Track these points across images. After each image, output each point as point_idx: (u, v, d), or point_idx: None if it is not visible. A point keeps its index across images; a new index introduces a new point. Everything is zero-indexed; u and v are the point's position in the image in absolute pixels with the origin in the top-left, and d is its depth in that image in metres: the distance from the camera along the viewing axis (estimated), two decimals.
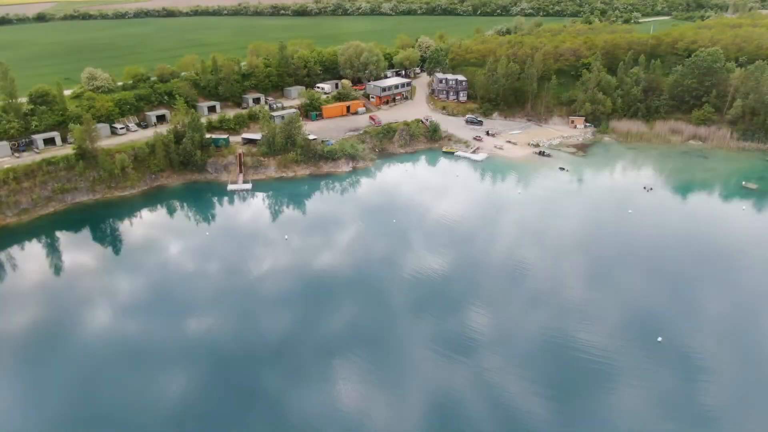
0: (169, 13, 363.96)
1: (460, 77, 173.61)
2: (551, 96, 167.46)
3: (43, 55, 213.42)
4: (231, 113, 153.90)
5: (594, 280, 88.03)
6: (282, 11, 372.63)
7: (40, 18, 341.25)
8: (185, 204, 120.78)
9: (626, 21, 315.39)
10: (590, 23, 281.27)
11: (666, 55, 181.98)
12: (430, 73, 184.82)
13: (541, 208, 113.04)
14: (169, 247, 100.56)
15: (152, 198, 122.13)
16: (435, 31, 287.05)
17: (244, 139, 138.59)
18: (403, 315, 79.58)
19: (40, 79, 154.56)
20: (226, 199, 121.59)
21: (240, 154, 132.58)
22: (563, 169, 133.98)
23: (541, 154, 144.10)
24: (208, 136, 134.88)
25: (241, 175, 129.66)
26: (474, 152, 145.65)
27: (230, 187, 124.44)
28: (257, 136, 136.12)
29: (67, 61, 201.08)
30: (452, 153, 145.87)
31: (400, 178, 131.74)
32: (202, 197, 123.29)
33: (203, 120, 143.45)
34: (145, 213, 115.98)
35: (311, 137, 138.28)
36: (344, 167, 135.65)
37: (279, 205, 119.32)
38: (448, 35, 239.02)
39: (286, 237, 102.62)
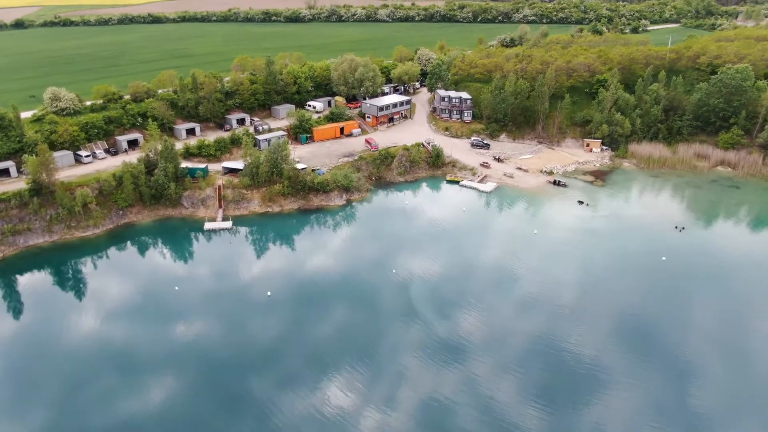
0: (155, 20, 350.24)
1: (465, 95, 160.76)
2: (564, 116, 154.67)
3: (11, 67, 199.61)
4: (212, 136, 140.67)
5: (636, 354, 74.76)
6: (274, 17, 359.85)
7: (18, 25, 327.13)
8: (155, 247, 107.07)
9: (634, 29, 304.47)
10: (599, 33, 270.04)
11: (686, 70, 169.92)
12: (431, 90, 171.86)
13: (562, 253, 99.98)
14: (131, 306, 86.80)
15: (118, 238, 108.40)
16: (434, 40, 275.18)
17: (225, 168, 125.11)
18: (407, 402, 66.19)
19: (1, 97, 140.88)
20: (201, 240, 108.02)
21: (220, 187, 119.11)
22: (582, 203, 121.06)
23: (556, 183, 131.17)
24: (184, 165, 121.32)
25: (220, 211, 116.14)
26: (481, 181, 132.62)
27: (207, 225, 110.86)
28: (240, 165, 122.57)
29: (37, 74, 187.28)
30: (457, 182, 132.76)
31: (400, 213, 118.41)
32: (174, 238, 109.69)
33: (180, 145, 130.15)
34: (107, 259, 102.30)
35: (300, 166, 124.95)
36: (337, 200, 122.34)
37: (262, 249, 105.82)
38: (449, 45, 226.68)
39: (269, 293, 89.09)
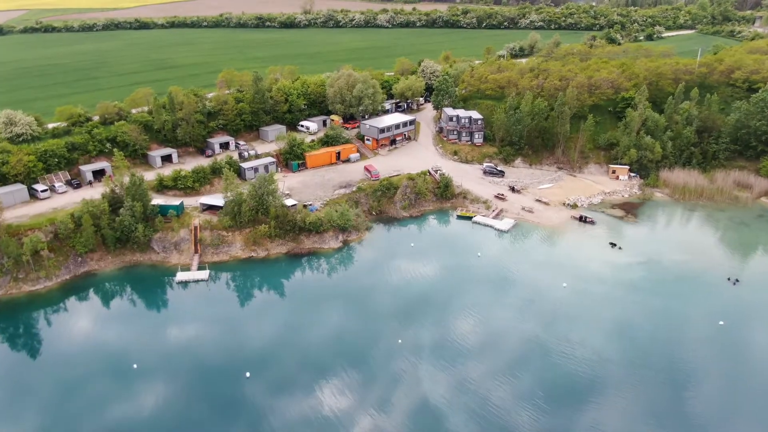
0: (143, 25, 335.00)
1: (475, 114, 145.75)
2: (586, 138, 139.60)
3: None
4: (192, 164, 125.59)
5: None
6: (268, 23, 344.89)
7: None
8: (115, 306, 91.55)
9: (649, 36, 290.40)
10: (613, 41, 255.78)
11: (719, 86, 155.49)
12: (437, 107, 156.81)
13: (598, 317, 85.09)
14: (74, 397, 71.19)
15: (74, 293, 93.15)
16: (437, 48, 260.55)
17: (203, 204, 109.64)
18: None
19: None
20: (172, 295, 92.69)
21: (196, 228, 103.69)
22: (614, 245, 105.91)
23: (582, 219, 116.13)
24: (155, 201, 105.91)
25: (196, 257, 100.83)
26: (496, 216, 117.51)
27: (180, 276, 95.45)
28: (220, 201, 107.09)
29: (1, 89, 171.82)
30: (469, 218, 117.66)
31: (405, 258, 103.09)
32: (140, 292, 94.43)
33: (152, 176, 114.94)
34: (56, 322, 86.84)
35: (290, 202, 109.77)
36: (332, 242, 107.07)
37: (243, 307, 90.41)
38: (454, 55, 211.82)
39: (248, 374, 73.64)
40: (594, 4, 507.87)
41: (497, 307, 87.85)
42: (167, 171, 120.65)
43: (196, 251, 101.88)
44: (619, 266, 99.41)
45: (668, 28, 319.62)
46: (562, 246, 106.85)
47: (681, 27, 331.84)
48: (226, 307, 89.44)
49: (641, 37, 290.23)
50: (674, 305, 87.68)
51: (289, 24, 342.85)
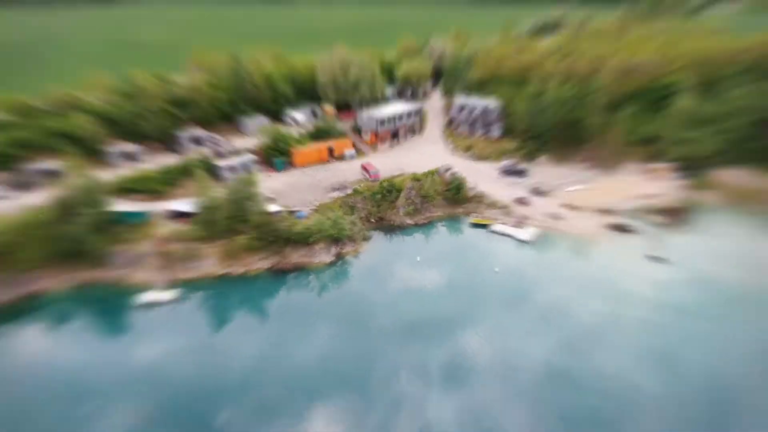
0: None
1: (492, 103, 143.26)
2: (623, 132, 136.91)
3: None
4: (158, 162, 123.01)
5: None
6: None
7: None
8: (67, 332, 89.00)
9: (694, 10, 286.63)
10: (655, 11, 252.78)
11: None
12: (447, 94, 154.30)
13: (645, 351, 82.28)
14: None
15: (15, 317, 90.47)
16: (447, 25, 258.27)
17: (171, 211, 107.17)
18: None
19: None
20: (131, 322, 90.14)
21: (162, 239, 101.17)
22: (657, 259, 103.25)
23: (619, 228, 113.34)
24: (114, 208, 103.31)
25: (162, 273, 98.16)
26: (518, 224, 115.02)
27: (143, 297, 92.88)
28: (191, 207, 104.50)
29: None
30: (485, 226, 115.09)
31: (409, 275, 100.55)
32: (96, 316, 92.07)
33: (112, 177, 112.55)
34: None
35: (274, 208, 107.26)
36: (323, 256, 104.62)
37: (217, 333, 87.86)
38: (468, 32, 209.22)
39: (223, 413, 71.01)
40: None
41: (518, 333, 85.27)
42: (129, 171, 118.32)
43: (162, 267, 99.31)
44: (662, 284, 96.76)
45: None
46: (594, 259, 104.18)
47: None
48: (197, 334, 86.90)
49: (683, 12, 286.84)
50: (728, 333, 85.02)
51: None
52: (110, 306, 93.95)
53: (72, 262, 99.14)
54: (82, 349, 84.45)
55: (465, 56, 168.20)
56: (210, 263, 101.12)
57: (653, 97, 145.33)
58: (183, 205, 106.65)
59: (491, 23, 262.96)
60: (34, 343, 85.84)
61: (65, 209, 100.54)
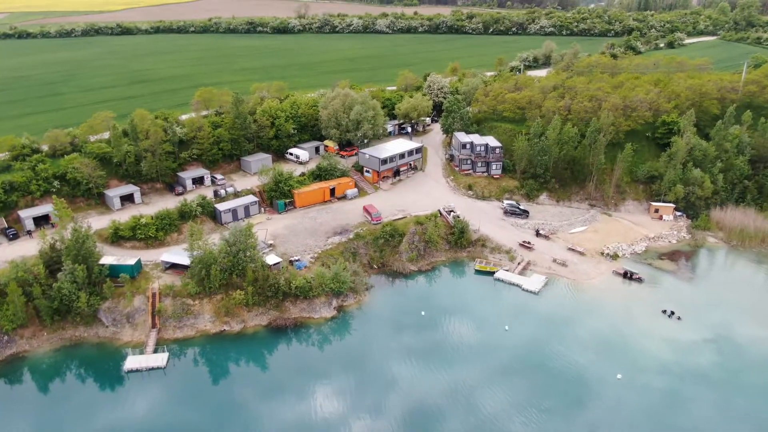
0: (125, 31, 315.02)
1: (492, 141, 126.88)
2: (624, 170, 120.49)
3: None
4: (158, 203, 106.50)
5: None
6: (260, 28, 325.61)
7: None
8: (48, 400, 72.24)
9: (669, 44, 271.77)
10: (633, 49, 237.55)
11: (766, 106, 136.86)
12: (446, 131, 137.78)
13: (664, 422, 66.00)
14: None
15: None
16: (441, 56, 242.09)
17: (165, 262, 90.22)
18: None
19: None
20: (117, 392, 73.18)
21: (154, 295, 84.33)
22: (671, 314, 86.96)
23: (627, 276, 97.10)
24: (106, 261, 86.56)
25: (153, 333, 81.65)
26: (523, 270, 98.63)
27: (129, 362, 76.39)
28: (187, 257, 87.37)
29: None
30: (491, 273, 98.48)
31: (413, 333, 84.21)
32: (80, 382, 75.73)
33: (106, 222, 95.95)
34: None
35: (272, 260, 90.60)
36: (324, 310, 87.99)
37: (210, 401, 70.79)
38: (462, 65, 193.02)
39: None
40: (603, 4, 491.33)
41: (535, 408, 68.83)
42: (128, 213, 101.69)
43: (153, 325, 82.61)
44: (681, 345, 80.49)
45: (689, 34, 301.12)
46: (606, 314, 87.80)
47: (702, 33, 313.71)
48: (189, 404, 70.36)
49: (662, 45, 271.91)
50: (761, 409, 68.66)
51: (282, 29, 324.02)
52: (97, 370, 77.67)
53: (59, 319, 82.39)
54: (60, 420, 67.47)
55: (463, 92, 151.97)
56: (205, 320, 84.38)
57: (651, 134, 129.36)
58: (178, 255, 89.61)
59: (484, 56, 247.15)
60: (10, 413, 68.71)
61: (53, 262, 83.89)
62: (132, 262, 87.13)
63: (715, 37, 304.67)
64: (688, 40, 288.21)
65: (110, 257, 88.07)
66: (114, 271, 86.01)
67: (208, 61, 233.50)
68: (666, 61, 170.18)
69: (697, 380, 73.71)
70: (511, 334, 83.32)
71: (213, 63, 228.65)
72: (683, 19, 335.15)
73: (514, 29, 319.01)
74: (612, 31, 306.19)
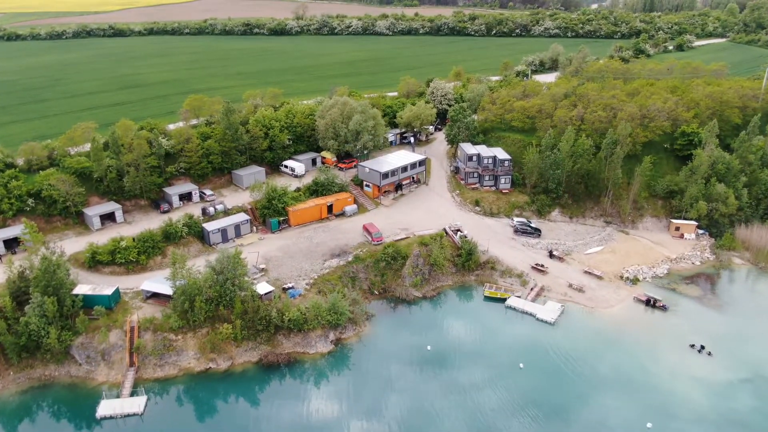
0: (117, 32, 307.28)
1: (501, 153, 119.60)
2: (642, 185, 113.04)
3: None
4: (142, 222, 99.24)
5: None
6: (256, 30, 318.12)
7: None
8: None
9: (679, 46, 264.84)
10: (642, 52, 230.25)
11: None
12: (451, 142, 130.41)
13: None
14: None
15: None
16: (443, 59, 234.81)
17: (146, 292, 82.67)
18: None
19: None
20: None
21: (133, 329, 76.76)
22: (701, 349, 79.55)
23: (650, 303, 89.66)
24: (80, 290, 79.00)
25: (131, 372, 74.19)
26: (537, 297, 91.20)
27: (102, 408, 68.79)
28: (169, 288, 79.72)
29: None
30: (502, 300, 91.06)
31: (418, 372, 77.00)
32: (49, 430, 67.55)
33: (81, 245, 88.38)
34: None
35: (263, 289, 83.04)
36: (320, 344, 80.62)
37: None
38: (465, 68, 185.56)
39: None
40: (606, 5, 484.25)
41: None
42: (109, 234, 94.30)
43: (131, 363, 75.08)
44: (714, 387, 73.11)
45: (697, 36, 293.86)
46: (629, 349, 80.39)
47: (711, 35, 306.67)
48: None
49: (671, 47, 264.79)
50: None
51: (279, 31, 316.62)
52: (68, 414, 70.24)
53: (27, 356, 74.84)
54: None
55: (468, 99, 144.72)
56: (188, 357, 76.84)
57: (669, 146, 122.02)
58: (160, 284, 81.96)
59: (487, 58, 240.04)
60: None
61: (21, 293, 76.35)
62: (109, 291, 79.53)
63: (724, 39, 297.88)
64: (697, 43, 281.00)
65: (85, 286, 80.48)
66: (89, 302, 78.47)
67: (202, 65, 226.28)
68: (680, 66, 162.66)
69: (736, 430, 66.25)
70: (526, 372, 75.88)
71: (207, 67, 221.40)
72: (691, 20, 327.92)
73: (517, 31, 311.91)
74: (618, 33, 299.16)
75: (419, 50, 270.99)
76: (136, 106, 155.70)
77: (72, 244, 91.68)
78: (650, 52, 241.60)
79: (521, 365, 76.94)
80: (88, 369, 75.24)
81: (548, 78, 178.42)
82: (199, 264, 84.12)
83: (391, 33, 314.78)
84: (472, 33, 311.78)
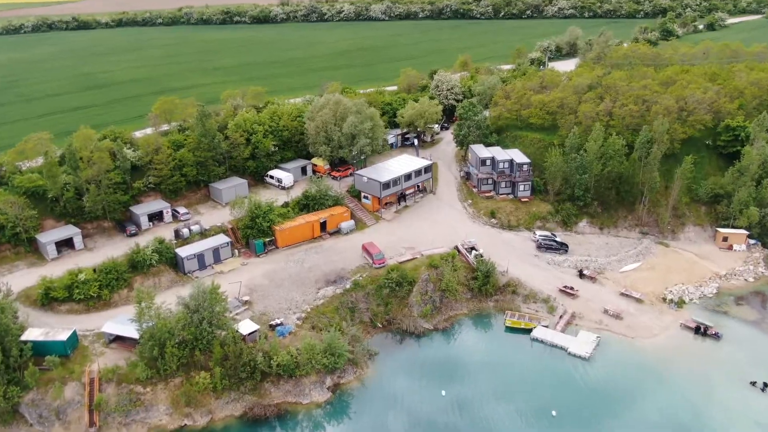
0: (82, 25, 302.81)
1: (518, 155, 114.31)
2: (682, 189, 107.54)
3: None
4: (105, 248, 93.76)
5: None
6: (237, 18, 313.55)
7: None
8: None
9: (710, 25, 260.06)
10: (671, 33, 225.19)
11: None
12: (460, 143, 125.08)
13: None
14: None
15: None
16: (446, 46, 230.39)
17: (108, 335, 77.09)
18: None
19: None
20: None
21: (92, 381, 71.18)
22: (765, 387, 74.05)
23: (701, 331, 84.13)
24: (29, 336, 73.40)
25: None
26: (567, 326, 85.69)
27: None
28: (135, 332, 73.93)
29: None
30: (527, 330, 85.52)
31: (429, 419, 71.35)
32: None
33: (36, 278, 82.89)
34: None
35: (247, 328, 77.45)
36: (315, 392, 75.21)
37: None
38: (475, 58, 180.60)
39: None
40: None
41: None
42: (67, 264, 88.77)
43: (91, 423, 69.44)
44: None
45: (730, 13, 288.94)
46: (679, 387, 74.99)
47: (744, 11, 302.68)
48: None
49: (701, 26, 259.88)
50: None
51: (262, 19, 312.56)
52: None
53: None
54: None
55: (478, 93, 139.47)
56: (159, 413, 71.33)
57: (711, 142, 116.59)
58: (124, 326, 76.24)
59: (496, 44, 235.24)
60: None
61: None
62: (64, 336, 73.90)
63: (760, 16, 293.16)
64: (730, 20, 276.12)
65: (36, 330, 74.90)
66: (41, 349, 72.78)
67: (177, 59, 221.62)
68: (717, 49, 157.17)
69: None
70: (560, 421, 70.31)
71: (182, 62, 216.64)
72: None
73: (528, 12, 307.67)
74: (641, 12, 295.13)
75: (419, 37, 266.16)
76: (102, 109, 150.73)
77: (23, 278, 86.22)
78: (679, 33, 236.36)
79: (554, 413, 71.31)
80: (41, 430, 69.52)
81: (567, 66, 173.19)
82: (170, 301, 78.34)
83: (387, 18, 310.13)
84: (478, 16, 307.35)
